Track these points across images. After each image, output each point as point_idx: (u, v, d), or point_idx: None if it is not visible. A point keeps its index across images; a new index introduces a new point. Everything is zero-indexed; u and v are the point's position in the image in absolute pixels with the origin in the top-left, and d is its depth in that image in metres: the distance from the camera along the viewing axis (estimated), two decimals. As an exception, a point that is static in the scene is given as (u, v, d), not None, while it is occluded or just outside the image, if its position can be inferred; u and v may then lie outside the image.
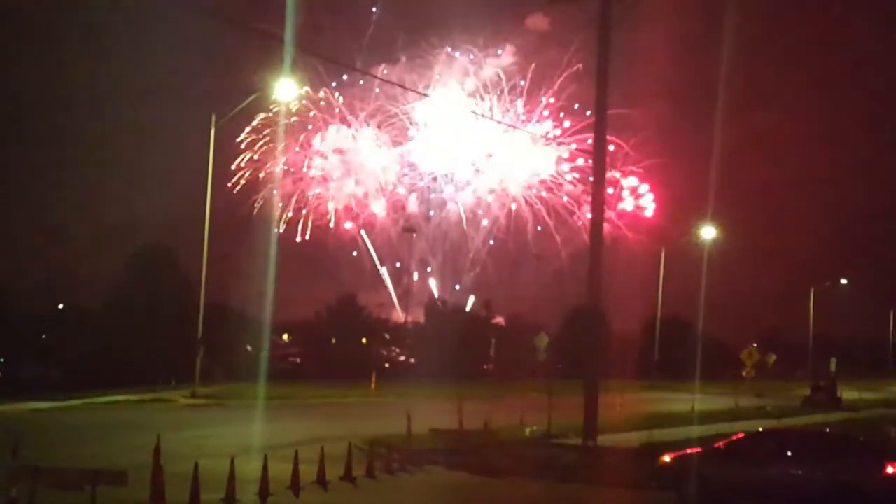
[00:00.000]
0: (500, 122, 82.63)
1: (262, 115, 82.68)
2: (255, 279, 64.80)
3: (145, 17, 73.88)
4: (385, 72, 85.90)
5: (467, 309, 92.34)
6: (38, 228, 74.37)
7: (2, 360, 65.99)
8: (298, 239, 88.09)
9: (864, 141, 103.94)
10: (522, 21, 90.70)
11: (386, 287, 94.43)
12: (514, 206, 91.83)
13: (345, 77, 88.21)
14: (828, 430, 33.00)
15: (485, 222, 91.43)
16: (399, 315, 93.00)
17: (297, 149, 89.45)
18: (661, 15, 71.62)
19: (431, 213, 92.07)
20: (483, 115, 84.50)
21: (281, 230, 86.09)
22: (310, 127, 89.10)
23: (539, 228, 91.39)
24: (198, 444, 28.58)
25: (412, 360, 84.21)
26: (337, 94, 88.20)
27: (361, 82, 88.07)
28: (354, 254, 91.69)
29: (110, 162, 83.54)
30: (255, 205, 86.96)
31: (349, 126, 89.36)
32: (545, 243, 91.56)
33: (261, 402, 46.62)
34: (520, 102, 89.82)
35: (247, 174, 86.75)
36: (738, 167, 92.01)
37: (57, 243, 72.11)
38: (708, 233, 76.87)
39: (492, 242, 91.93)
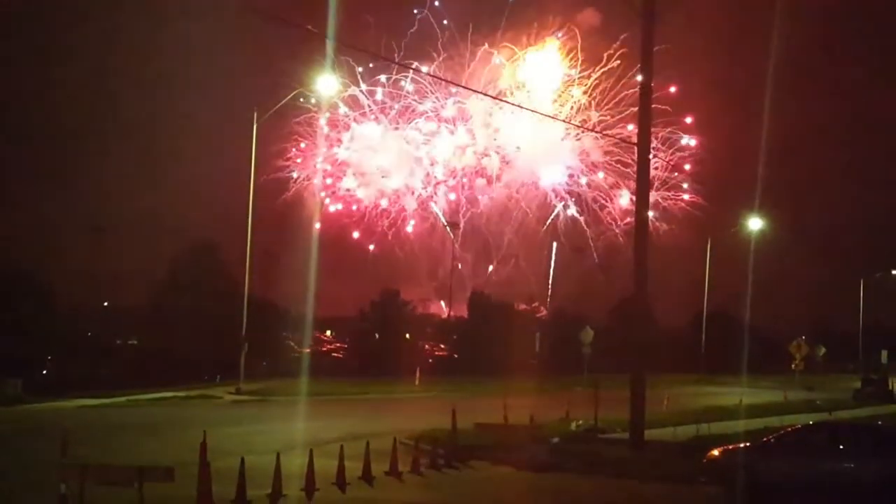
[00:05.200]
0: (533, 112, 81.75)
1: (305, 111, 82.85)
2: (296, 275, 64.99)
3: (188, 12, 74.17)
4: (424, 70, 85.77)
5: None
6: (82, 225, 74.90)
7: (48, 357, 66.57)
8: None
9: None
10: (573, 18, 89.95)
11: (426, 282, 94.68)
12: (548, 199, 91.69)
13: (383, 78, 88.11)
14: (880, 423, 32.52)
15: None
16: (442, 309, 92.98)
17: (334, 149, 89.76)
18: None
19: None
20: (516, 105, 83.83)
21: (319, 227, 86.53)
22: (352, 123, 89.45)
23: (578, 214, 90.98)
24: (243, 441, 28.62)
25: (456, 355, 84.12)
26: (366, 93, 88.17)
27: (379, 79, 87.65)
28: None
29: (152, 158, 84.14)
30: (295, 201, 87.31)
31: (379, 123, 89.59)
32: (576, 236, 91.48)
33: (305, 397, 46.75)
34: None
35: (287, 171, 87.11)
36: (787, 156, 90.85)
37: (100, 240, 72.61)
38: (755, 223, 76.09)
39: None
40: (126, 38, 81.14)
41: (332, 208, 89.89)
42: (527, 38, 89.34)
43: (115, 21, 79.73)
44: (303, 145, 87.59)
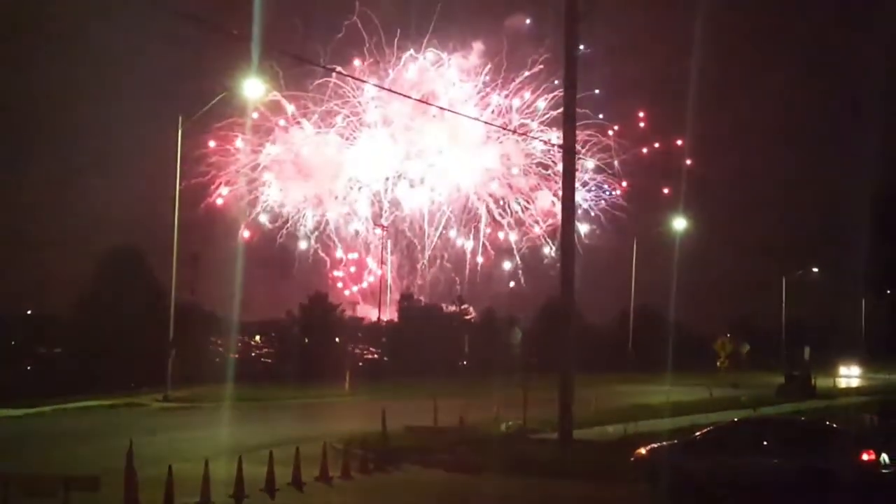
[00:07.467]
0: (456, 114, 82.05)
1: (227, 116, 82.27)
2: (224, 280, 64.49)
3: (111, 15, 73.14)
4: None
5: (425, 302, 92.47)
6: (2, 232, 73.39)
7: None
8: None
9: (835, 128, 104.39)
10: (501, 23, 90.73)
11: (352, 286, 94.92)
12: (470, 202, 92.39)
13: (311, 85, 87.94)
14: (802, 418, 33.12)
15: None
16: (370, 313, 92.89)
17: (258, 153, 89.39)
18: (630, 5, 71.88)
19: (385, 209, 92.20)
20: (438, 107, 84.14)
21: (245, 232, 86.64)
22: (280, 125, 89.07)
23: (500, 216, 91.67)
24: (171, 448, 28.32)
25: (386, 358, 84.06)
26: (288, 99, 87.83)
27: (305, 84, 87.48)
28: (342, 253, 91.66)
29: (75, 163, 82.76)
30: (220, 207, 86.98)
31: (301, 128, 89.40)
32: (499, 239, 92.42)
33: (234, 403, 46.36)
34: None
35: (210, 176, 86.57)
36: (709, 157, 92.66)
37: (22, 247, 71.29)
38: (679, 224, 77.19)
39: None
40: (47, 39, 79.68)
41: (256, 213, 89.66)
42: (453, 44, 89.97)
43: (36, 23, 78.40)
44: (225, 149, 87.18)
